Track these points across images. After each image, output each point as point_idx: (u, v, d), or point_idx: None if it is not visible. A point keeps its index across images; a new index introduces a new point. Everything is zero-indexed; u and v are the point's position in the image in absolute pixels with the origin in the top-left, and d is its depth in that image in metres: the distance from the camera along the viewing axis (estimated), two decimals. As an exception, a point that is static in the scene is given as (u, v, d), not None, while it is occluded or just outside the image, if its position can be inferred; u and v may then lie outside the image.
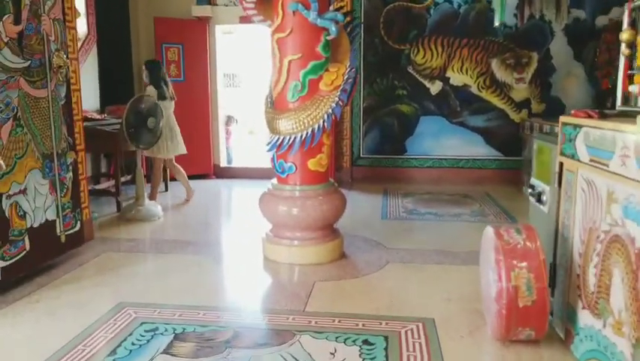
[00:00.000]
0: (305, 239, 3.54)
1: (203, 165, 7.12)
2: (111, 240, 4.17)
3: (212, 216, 5.29)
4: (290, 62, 3.39)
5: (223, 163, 7.42)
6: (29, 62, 3.18)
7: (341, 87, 3.37)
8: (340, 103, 3.37)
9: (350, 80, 3.39)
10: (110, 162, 6.20)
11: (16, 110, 3.07)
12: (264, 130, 3.62)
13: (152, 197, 5.43)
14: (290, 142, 3.40)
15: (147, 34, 6.89)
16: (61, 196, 3.51)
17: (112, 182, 5.63)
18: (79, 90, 4.01)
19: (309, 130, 3.36)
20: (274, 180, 3.69)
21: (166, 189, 6.18)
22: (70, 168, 3.64)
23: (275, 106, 3.54)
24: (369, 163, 7.13)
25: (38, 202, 3.28)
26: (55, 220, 3.44)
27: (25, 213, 3.15)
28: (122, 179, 5.47)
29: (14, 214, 3.06)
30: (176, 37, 6.75)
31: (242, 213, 5.54)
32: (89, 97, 6.12)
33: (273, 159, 3.62)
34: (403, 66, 6.85)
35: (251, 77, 9.06)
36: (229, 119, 8.00)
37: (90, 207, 4.27)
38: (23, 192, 3.13)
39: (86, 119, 5.41)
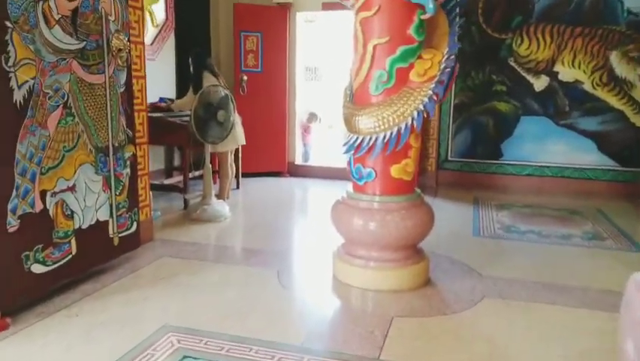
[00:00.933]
0: (383, 260, 2.97)
1: (277, 163, 6.72)
2: (171, 242, 3.82)
3: (283, 220, 4.83)
4: (375, 47, 2.80)
5: (298, 161, 6.98)
6: (84, 43, 2.84)
7: (436, 78, 2.75)
8: (435, 97, 2.75)
9: (448, 70, 2.76)
10: (184, 155, 5.96)
11: (66, 96, 2.73)
12: (342, 125, 3.07)
13: (220, 195, 5.08)
14: (370, 143, 2.82)
15: (226, 22, 6.57)
16: (116, 194, 3.18)
17: (181, 177, 5.36)
18: (144, 77, 3.69)
19: (395, 130, 2.77)
20: (349, 188, 3.15)
21: (237, 187, 5.84)
22: (128, 163, 3.30)
23: (355, 100, 2.99)
24: (458, 167, 6.39)
25: (89, 201, 2.95)
26: (107, 221, 3.12)
27: (72, 212, 2.83)
28: (190, 175, 5.17)
29: (60, 214, 2.74)
30: (255, 24, 6.37)
31: (315, 217, 5.07)
32: (166, 86, 5.92)
33: (349, 163, 3.06)
34: (503, 58, 6.04)
35: (333, 69, 8.55)
36: (311, 116, 7.51)
37: (152, 205, 3.96)
38: (72, 189, 2.81)
39: (157, 109, 5.19)
